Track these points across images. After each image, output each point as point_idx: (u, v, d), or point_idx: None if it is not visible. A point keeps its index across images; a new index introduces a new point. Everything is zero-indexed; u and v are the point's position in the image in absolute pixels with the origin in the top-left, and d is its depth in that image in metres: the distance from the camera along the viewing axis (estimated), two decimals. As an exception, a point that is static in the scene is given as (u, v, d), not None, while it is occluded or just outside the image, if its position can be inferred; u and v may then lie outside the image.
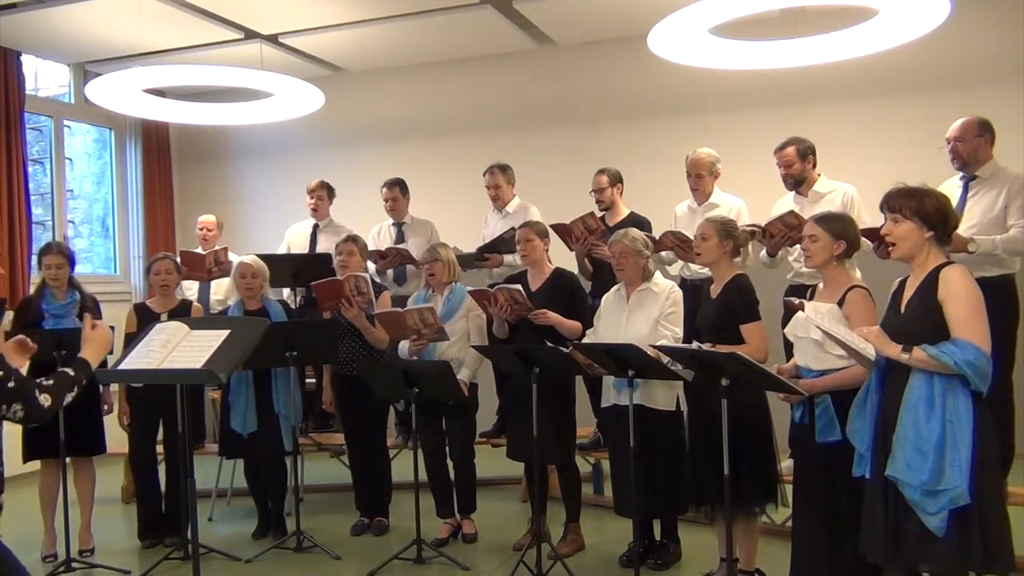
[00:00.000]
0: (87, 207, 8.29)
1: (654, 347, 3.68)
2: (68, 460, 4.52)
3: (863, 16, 4.48)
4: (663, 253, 4.77)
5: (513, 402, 4.56)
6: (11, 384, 2.35)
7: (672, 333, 3.98)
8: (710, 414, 3.50)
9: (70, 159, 7.78)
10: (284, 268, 5.57)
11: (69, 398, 2.48)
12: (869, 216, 4.22)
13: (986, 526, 2.67)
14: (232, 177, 8.34)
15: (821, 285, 3.43)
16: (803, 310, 3.23)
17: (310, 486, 5.93)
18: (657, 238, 4.64)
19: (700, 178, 4.93)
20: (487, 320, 4.69)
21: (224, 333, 3.15)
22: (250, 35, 6.67)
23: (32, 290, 5.17)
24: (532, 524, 4.46)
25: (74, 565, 4.48)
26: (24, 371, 2.55)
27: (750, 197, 5.01)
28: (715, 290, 3.84)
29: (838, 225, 3.36)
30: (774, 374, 3.24)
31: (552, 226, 4.86)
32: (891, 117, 6.29)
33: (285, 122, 6.68)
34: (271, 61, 6.68)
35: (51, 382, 2.44)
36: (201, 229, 6.49)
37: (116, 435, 4.88)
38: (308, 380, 5.47)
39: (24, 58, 6.84)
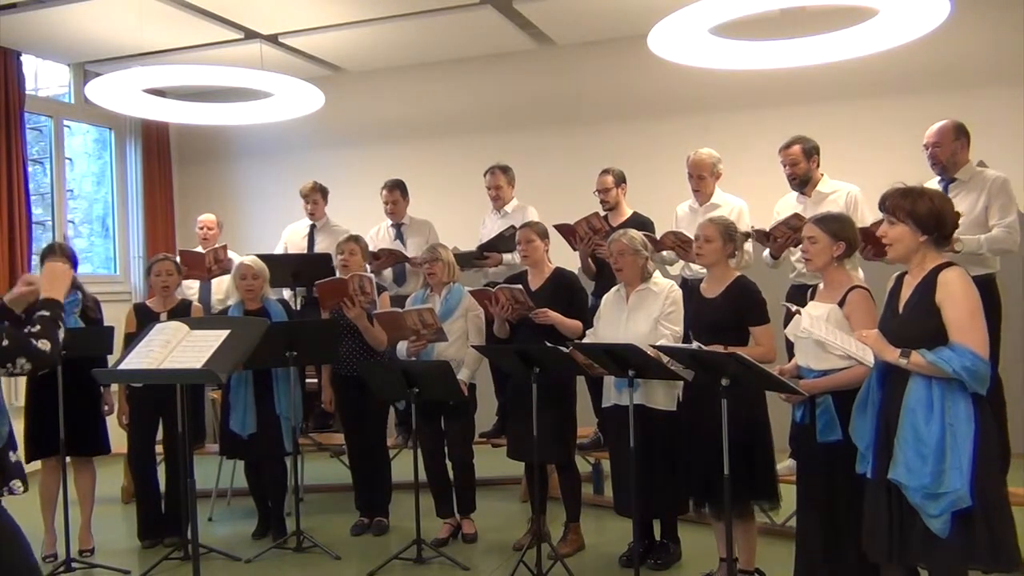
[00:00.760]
0: (87, 207, 8.28)
1: (654, 347, 3.67)
2: (68, 460, 4.52)
3: (863, 16, 4.48)
4: (664, 253, 4.76)
5: (513, 402, 4.56)
6: (5, 343, 2.35)
7: (672, 332, 3.98)
8: (710, 414, 3.49)
9: (70, 159, 7.77)
10: (284, 268, 5.56)
11: (61, 335, 2.49)
12: (872, 217, 4.21)
13: (991, 525, 2.67)
14: (232, 177, 8.34)
15: (822, 286, 3.43)
16: (799, 315, 3.24)
17: (310, 486, 5.93)
18: (658, 238, 4.64)
19: (701, 179, 4.91)
20: (487, 320, 4.70)
21: (224, 333, 3.15)
22: (250, 35, 6.67)
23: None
24: (532, 524, 4.46)
25: (74, 565, 4.47)
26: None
27: (751, 197, 5.00)
28: (713, 291, 3.84)
29: (836, 226, 3.35)
30: (774, 374, 3.24)
31: (556, 226, 4.86)
32: (891, 117, 6.27)
33: (285, 122, 6.68)
34: (271, 61, 6.68)
35: (38, 328, 2.44)
36: (201, 229, 6.48)
37: (116, 435, 4.88)
38: (308, 380, 5.46)
39: (24, 58, 6.83)
